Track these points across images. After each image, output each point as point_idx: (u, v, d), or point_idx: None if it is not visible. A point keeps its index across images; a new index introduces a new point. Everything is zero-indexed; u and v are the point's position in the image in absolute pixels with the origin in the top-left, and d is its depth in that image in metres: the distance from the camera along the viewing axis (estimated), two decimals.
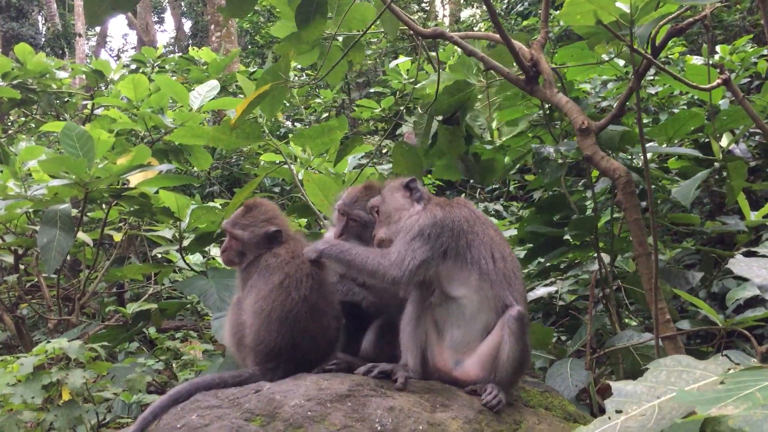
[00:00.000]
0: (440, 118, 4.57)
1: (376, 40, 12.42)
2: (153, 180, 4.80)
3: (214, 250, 5.48)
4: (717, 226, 5.04)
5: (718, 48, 6.98)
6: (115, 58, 35.77)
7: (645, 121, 6.17)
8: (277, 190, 9.60)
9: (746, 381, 1.55)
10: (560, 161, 4.43)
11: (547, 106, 4.66)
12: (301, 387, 2.70)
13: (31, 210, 5.13)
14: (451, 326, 3.00)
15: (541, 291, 5.33)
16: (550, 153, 4.41)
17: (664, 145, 4.87)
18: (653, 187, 4.80)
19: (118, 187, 4.88)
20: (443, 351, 3.03)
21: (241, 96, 8.17)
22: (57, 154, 5.36)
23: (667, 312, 3.33)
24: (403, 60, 9.81)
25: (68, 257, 5.97)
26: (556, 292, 5.45)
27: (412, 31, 4.24)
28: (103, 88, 8.91)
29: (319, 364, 3.05)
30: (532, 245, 4.96)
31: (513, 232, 5.50)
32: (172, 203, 4.80)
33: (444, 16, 21.14)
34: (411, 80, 9.65)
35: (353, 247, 3.06)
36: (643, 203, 4.36)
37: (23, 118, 9.79)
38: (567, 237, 4.82)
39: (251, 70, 11.21)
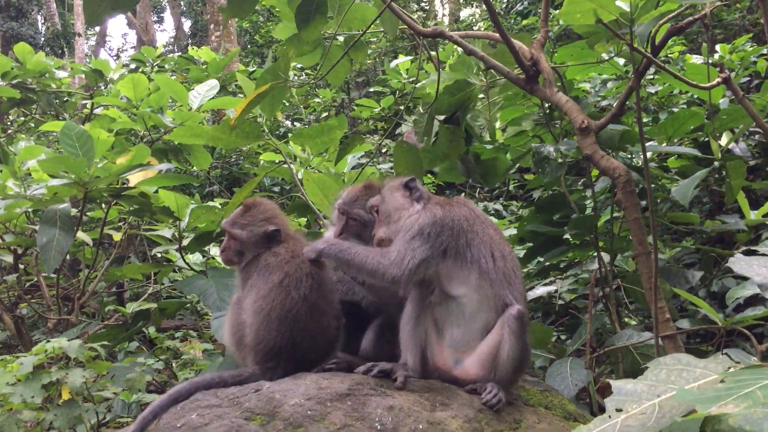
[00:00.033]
0: (441, 117, 4.56)
1: (375, 39, 12.42)
2: (152, 179, 4.79)
3: (214, 250, 5.48)
4: (717, 225, 5.04)
5: (717, 47, 6.98)
6: (115, 58, 35.77)
7: (645, 120, 6.17)
8: (276, 189, 9.60)
9: (746, 379, 1.55)
10: (560, 160, 4.43)
11: (547, 105, 4.66)
12: (301, 386, 2.70)
13: (30, 209, 5.13)
14: (450, 325, 3.00)
15: (540, 290, 5.33)
16: (550, 152, 4.41)
17: (664, 144, 4.87)
18: (653, 186, 4.80)
19: (118, 186, 4.88)
20: (443, 350, 3.02)
21: (241, 95, 8.17)
22: (56, 153, 5.36)
23: (667, 311, 3.33)
24: (403, 60, 9.80)
25: (68, 257, 5.97)
26: (556, 291, 5.44)
27: (411, 31, 4.23)
28: (103, 87, 8.91)
29: (319, 363, 3.04)
30: (531, 244, 4.95)
31: (513, 231, 5.50)
32: (171, 203, 4.80)
33: (443, 15, 21.15)
34: (410, 80, 9.66)
35: (353, 246, 3.06)
36: (643, 202, 4.36)
37: (23, 118, 9.79)
38: (567, 236, 4.82)
39: (251, 69, 11.21)
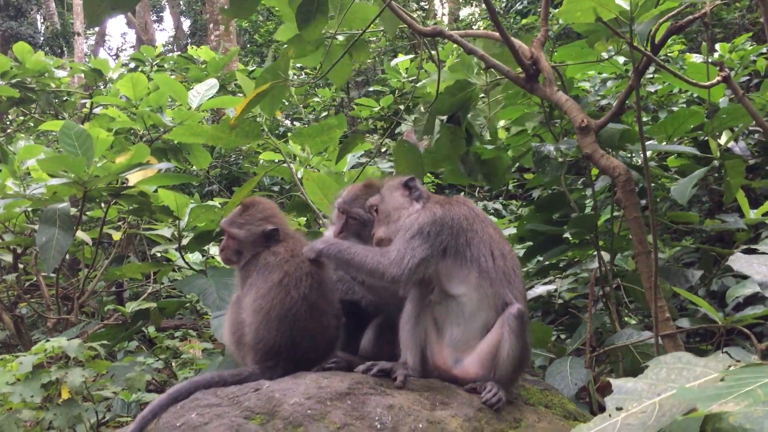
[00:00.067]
0: (442, 118, 4.56)
1: (374, 39, 12.41)
2: (152, 179, 4.79)
3: (213, 249, 5.49)
4: (716, 225, 5.04)
5: (717, 46, 6.97)
6: (114, 57, 35.76)
7: (644, 119, 6.17)
8: (276, 188, 9.60)
9: (747, 378, 1.54)
10: (560, 159, 4.43)
11: (546, 104, 4.66)
12: (301, 385, 2.69)
13: (29, 209, 5.13)
14: (450, 324, 3.00)
15: (540, 289, 5.33)
16: (551, 151, 4.40)
17: (664, 143, 4.87)
18: (653, 185, 4.80)
19: (117, 185, 4.88)
20: (443, 349, 3.02)
21: (240, 95, 8.16)
22: (56, 153, 5.36)
23: (667, 310, 3.33)
24: (402, 59, 9.80)
25: (67, 256, 5.97)
26: (556, 290, 5.45)
27: (411, 30, 4.23)
28: (102, 87, 8.90)
29: (319, 362, 3.04)
30: (531, 243, 4.95)
31: (512, 230, 5.50)
32: (171, 202, 4.80)
33: (443, 14, 21.14)
34: (410, 79, 9.65)
35: (352, 245, 3.05)
36: (643, 201, 4.35)
37: (22, 117, 9.78)
38: (566, 235, 4.82)
39: (250, 68, 11.20)
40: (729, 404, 1.42)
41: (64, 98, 8.74)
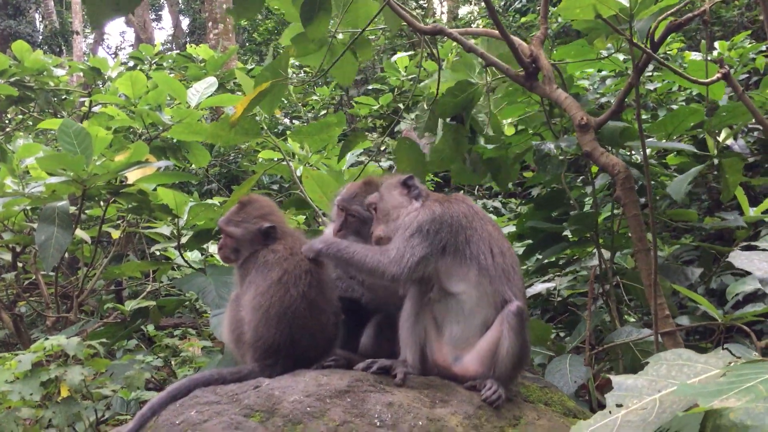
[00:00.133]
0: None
1: (374, 37, 12.39)
2: (151, 177, 4.79)
3: (213, 247, 5.48)
4: (716, 222, 5.04)
5: (716, 44, 6.97)
6: (113, 56, 35.70)
7: (644, 117, 6.16)
8: (275, 187, 9.60)
9: (748, 374, 1.54)
10: (561, 157, 4.42)
11: (546, 102, 4.65)
12: (300, 383, 2.69)
13: (28, 207, 5.13)
14: (450, 322, 3.00)
15: (539, 287, 5.33)
16: (551, 149, 4.40)
17: (664, 141, 4.87)
18: (652, 183, 4.79)
19: (116, 184, 4.87)
20: (442, 347, 3.02)
21: (239, 93, 8.15)
22: (55, 151, 5.35)
23: (667, 308, 3.33)
24: (401, 55, 9.78)
25: (66, 255, 5.97)
26: (555, 288, 5.45)
27: (411, 28, 4.22)
28: (101, 85, 8.88)
29: (318, 360, 3.04)
30: (531, 241, 4.95)
31: (512, 228, 5.49)
32: (170, 200, 4.80)
33: (442, 12, 21.13)
34: (409, 77, 9.64)
35: (351, 245, 3.05)
36: (643, 199, 4.35)
37: (21, 116, 9.77)
38: (566, 233, 4.81)
39: (249, 67, 11.19)
40: (730, 400, 1.42)
41: (63, 97, 8.73)
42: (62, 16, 29.00)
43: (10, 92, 7.59)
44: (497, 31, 4.00)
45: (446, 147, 4.53)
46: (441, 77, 4.51)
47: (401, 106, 5.70)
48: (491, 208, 9.03)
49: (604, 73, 6.85)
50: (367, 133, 10.43)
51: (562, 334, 5.38)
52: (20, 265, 5.75)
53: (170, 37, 34.49)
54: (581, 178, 5.90)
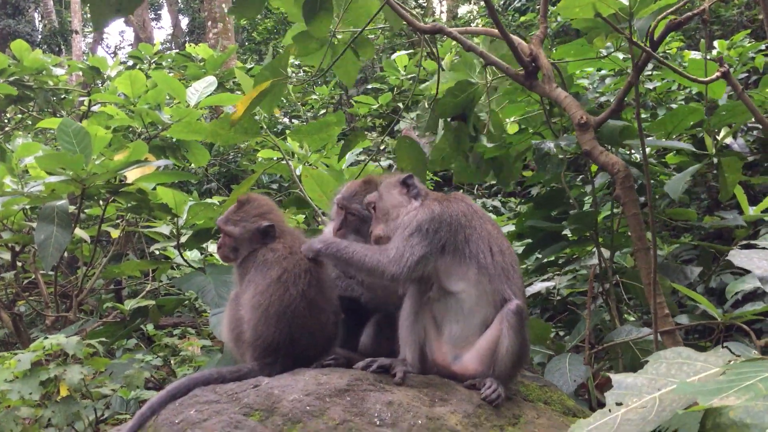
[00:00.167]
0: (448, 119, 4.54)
1: (373, 36, 12.38)
2: (150, 176, 4.79)
3: (212, 247, 5.48)
4: (715, 221, 5.04)
5: (715, 43, 6.97)
6: (112, 55, 35.69)
7: (643, 116, 6.17)
8: (275, 186, 9.59)
9: (747, 372, 1.54)
10: (560, 156, 4.42)
11: (546, 101, 4.65)
12: (300, 382, 2.69)
13: (28, 206, 5.13)
14: (449, 321, 3.00)
15: (539, 286, 5.33)
16: (551, 148, 4.40)
17: (663, 140, 4.87)
18: (652, 182, 4.79)
19: (116, 183, 4.87)
20: (442, 345, 3.02)
21: (238, 92, 8.15)
22: (54, 150, 5.35)
23: (666, 307, 3.33)
24: (401, 53, 9.77)
25: (65, 254, 5.97)
26: (555, 287, 5.45)
27: (411, 27, 4.22)
28: (100, 84, 8.88)
29: (318, 359, 3.04)
30: (530, 240, 4.94)
31: (511, 227, 5.49)
32: (169, 199, 4.79)
33: (441, 12, 21.12)
34: (409, 76, 9.64)
35: (350, 244, 3.04)
36: (642, 198, 4.35)
37: (20, 115, 9.76)
38: (566, 232, 4.81)
39: (248, 66, 11.18)
40: (730, 398, 1.42)
41: (62, 96, 8.73)
42: (61, 16, 28.99)
43: (10, 91, 7.58)
44: (497, 30, 4.00)
45: (447, 146, 4.52)
46: (441, 77, 4.51)
47: (401, 105, 5.69)
48: (490, 207, 9.03)
49: (603, 72, 6.85)
50: (366, 133, 10.42)
51: (561, 333, 5.38)
52: (19, 264, 5.74)
53: (169, 37, 34.47)
54: (581, 177, 5.90)
